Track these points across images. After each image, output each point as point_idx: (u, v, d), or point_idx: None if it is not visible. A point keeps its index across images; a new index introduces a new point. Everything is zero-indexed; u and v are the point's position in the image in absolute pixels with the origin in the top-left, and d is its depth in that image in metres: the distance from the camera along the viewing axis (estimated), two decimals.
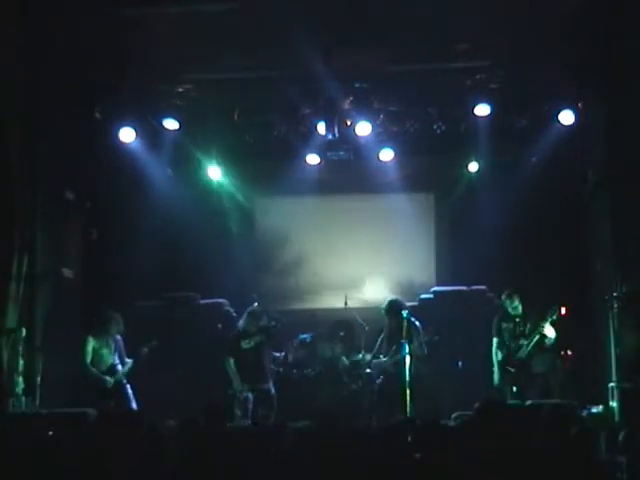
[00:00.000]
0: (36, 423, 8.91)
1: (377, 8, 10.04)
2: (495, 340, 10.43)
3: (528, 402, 9.63)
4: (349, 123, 11.89)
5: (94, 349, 10.38)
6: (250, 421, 10.05)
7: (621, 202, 10.45)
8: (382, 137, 12.31)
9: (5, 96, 10.23)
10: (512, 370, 10.29)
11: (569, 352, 11.05)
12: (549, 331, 10.14)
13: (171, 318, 11.92)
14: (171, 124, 11.90)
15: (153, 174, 12.54)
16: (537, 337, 10.18)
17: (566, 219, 12.02)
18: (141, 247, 12.15)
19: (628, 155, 10.29)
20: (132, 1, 10.20)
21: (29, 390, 10.30)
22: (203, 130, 12.28)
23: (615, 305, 10.27)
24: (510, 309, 10.45)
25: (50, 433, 7.67)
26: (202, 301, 12.41)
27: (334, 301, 12.44)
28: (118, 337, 10.53)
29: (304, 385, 11.42)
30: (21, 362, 10.27)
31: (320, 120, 11.82)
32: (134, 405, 10.24)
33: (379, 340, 10.80)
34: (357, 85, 11.46)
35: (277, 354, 11.58)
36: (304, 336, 11.97)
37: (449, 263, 13.25)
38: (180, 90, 11.72)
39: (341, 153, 12.60)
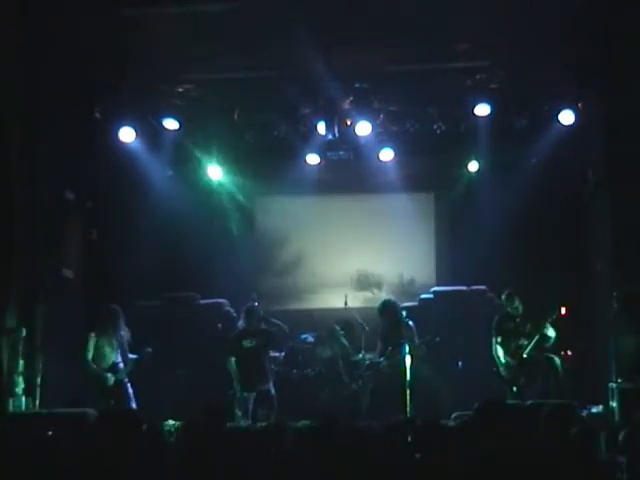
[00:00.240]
0: (36, 423, 8.93)
1: (377, 8, 10.04)
2: (494, 340, 10.44)
3: (528, 402, 9.63)
4: (349, 123, 11.90)
5: (96, 346, 10.36)
6: (250, 421, 10.05)
7: (621, 202, 10.46)
8: (382, 137, 12.31)
9: (5, 96, 10.23)
10: (512, 370, 10.29)
11: (569, 352, 11.05)
12: (549, 331, 10.14)
13: (171, 318, 11.91)
14: (171, 124, 11.90)
15: (153, 174, 12.55)
16: (537, 337, 10.19)
17: (566, 219, 12.02)
18: (141, 247, 12.16)
19: (628, 155, 10.29)
20: (132, 1, 10.20)
21: (29, 390, 10.31)
22: (203, 130, 12.29)
23: (615, 305, 10.27)
24: (510, 309, 10.45)
25: (50, 433, 7.68)
26: (202, 301, 12.41)
27: (334, 301, 12.44)
28: (122, 333, 10.50)
29: (304, 385, 11.41)
30: (21, 362, 10.27)
31: (320, 120, 11.82)
32: (134, 405, 10.23)
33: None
34: (357, 85, 11.47)
35: (277, 354, 11.58)
36: (304, 336, 11.98)
37: (449, 263, 13.26)
38: (180, 90, 11.73)
39: (341, 153, 12.61)
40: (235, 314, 11.79)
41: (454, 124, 12.09)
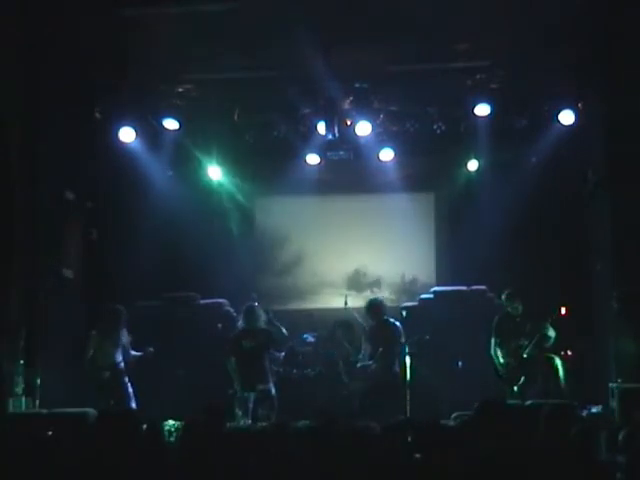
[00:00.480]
0: (36, 423, 8.92)
1: (377, 8, 10.04)
2: (493, 340, 10.43)
3: (528, 402, 9.63)
4: (349, 123, 11.90)
5: (97, 345, 10.38)
6: (250, 421, 10.05)
7: (621, 202, 10.46)
8: (382, 137, 12.31)
9: (5, 96, 10.23)
10: (512, 370, 10.29)
11: (569, 352, 11.05)
12: (549, 331, 10.14)
13: (171, 318, 11.91)
14: (171, 124, 11.90)
15: (153, 174, 12.55)
16: (537, 337, 10.19)
17: (566, 219, 12.02)
18: (141, 247, 12.16)
19: (628, 155, 10.29)
20: (132, 1, 10.20)
21: (29, 390, 10.30)
22: (203, 130, 12.29)
23: (615, 305, 10.27)
24: (510, 309, 10.45)
25: (49, 433, 7.67)
26: (202, 301, 12.40)
27: (334, 301, 12.44)
28: (125, 334, 10.51)
29: (304, 385, 11.41)
30: (21, 362, 10.27)
31: (320, 120, 11.82)
32: (134, 405, 10.24)
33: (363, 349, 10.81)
34: (357, 85, 11.47)
35: (277, 354, 11.58)
36: (304, 336, 11.98)
37: (449, 263, 13.26)
38: (180, 90, 11.73)
39: (341, 153, 12.61)
40: (235, 314, 11.78)
41: (454, 124, 12.09)
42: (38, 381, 10.41)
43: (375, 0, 10.17)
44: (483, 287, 12.04)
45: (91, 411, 9.30)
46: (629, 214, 10.30)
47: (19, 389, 10.19)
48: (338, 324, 11.81)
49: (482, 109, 11.54)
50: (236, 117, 11.97)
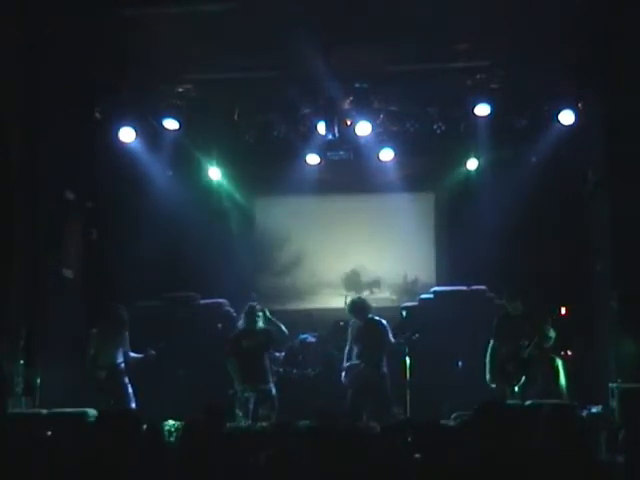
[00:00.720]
0: (36, 423, 8.92)
1: (377, 8, 10.05)
2: (492, 341, 10.43)
3: (528, 402, 9.63)
4: (349, 123, 11.90)
5: (98, 344, 10.39)
6: (250, 421, 10.06)
7: (621, 202, 10.46)
8: (382, 137, 12.32)
9: (5, 96, 10.23)
10: (512, 370, 10.29)
11: (569, 352, 11.05)
12: (549, 331, 10.14)
13: (171, 318, 11.90)
14: (171, 124, 11.90)
15: (153, 174, 12.56)
16: (537, 337, 10.18)
17: (566, 219, 12.02)
18: (141, 247, 12.16)
19: (628, 155, 10.29)
20: (132, 1, 10.21)
21: (29, 390, 10.30)
22: (203, 130, 12.29)
23: (615, 305, 10.27)
24: (511, 309, 10.45)
25: (49, 433, 7.67)
26: (202, 301, 12.40)
27: (333, 301, 12.45)
28: (126, 335, 10.52)
29: (304, 385, 11.42)
30: (21, 362, 10.27)
31: (320, 120, 11.83)
32: (133, 405, 10.24)
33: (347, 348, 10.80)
34: (357, 85, 11.47)
35: (277, 354, 11.58)
36: (304, 336, 11.98)
37: (449, 263, 13.26)
38: (180, 90, 11.72)
39: (341, 153, 12.61)
40: (235, 314, 11.79)
41: (454, 124, 12.09)
42: (38, 381, 10.41)
43: (375, 0, 10.17)
44: (483, 287, 12.04)
45: (91, 411, 9.31)
46: (629, 214, 10.30)
47: (19, 389, 10.19)
48: (337, 324, 11.82)
49: (482, 109, 11.53)
50: (236, 117, 11.98)
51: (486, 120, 11.71)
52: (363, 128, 11.79)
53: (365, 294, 13.00)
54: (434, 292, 12.40)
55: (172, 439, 7.90)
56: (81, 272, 12.08)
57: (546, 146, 11.92)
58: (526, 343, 10.26)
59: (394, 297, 13.04)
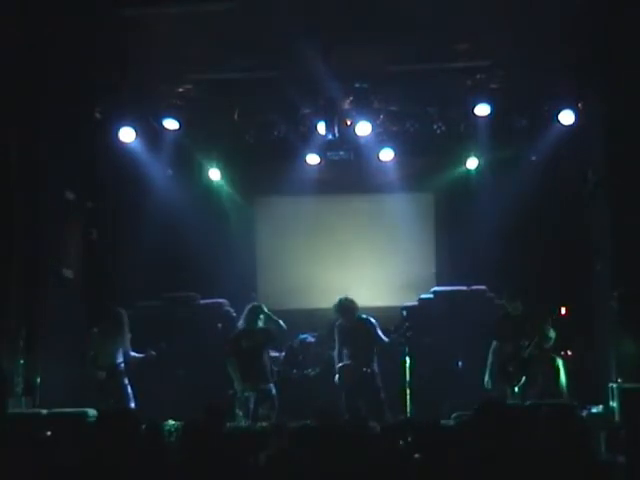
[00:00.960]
0: (36, 423, 8.92)
1: (377, 8, 10.04)
2: (495, 342, 10.44)
3: (528, 402, 9.63)
4: (349, 123, 11.91)
5: (98, 344, 10.39)
6: (250, 421, 10.06)
7: (621, 202, 10.45)
8: (382, 137, 12.33)
9: (5, 96, 10.23)
10: (513, 370, 10.29)
11: (569, 352, 11.05)
12: (549, 331, 10.15)
13: (171, 318, 11.91)
14: (171, 124, 11.89)
15: (153, 174, 12.55)
16: (538, 337, 10.19)
17: (566, 219, 12.02)
18: (141, 247, 12.17)
19: (628, 155, 10.29)
20: (132, 1, 10.20)
21: (29, 390, 10.30)
22: (203, 130, 12.30)
23: (615, 305, 10.27)
24: (511, 309, 10.45)
25: (48, 433, 7.68)
26: (202, 301, 12.41)
27: (333, 301, 12.41)
28: (126, 336, 10.52)
29: (304, 385, 11.42)
30: (21, 362, 10.27)
31: (320, 120, 11.83)
32: (133, 405, 10.24)
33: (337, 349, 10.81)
34: (357, 85, 11.47)
35: (277, 354, 11.59)
36: (304, 336, 11.98)
37: (449, 263, 13.26)
38: (180, 90, 11.72)
39: (341, 153, 12.62)
40: (235, 314, 11.79)
41: (454, 124, 12.09)
42: (38, 381, 10.42)
43: (375, 0, 10.17)
44: (483, 287, 12.04)
45: (91, 411, 9.31)
46: (629, 214, 10.30)
47: (19, 389, 10.19)
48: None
49: (482, 109, 11.53)
50: (236, 117, 11.97)
51: (486, 120, 11.71)
52: (363, 128, 11.79)
53: (365, 294, 13.00)
54: (434, 292, 12.40)
55: (172, 439, 7.90)
56: (81, 272, 12.07)
57: (546, 146, 11.92)
58: (526, 343, 10.27)
59: (394, 297, 13.01)
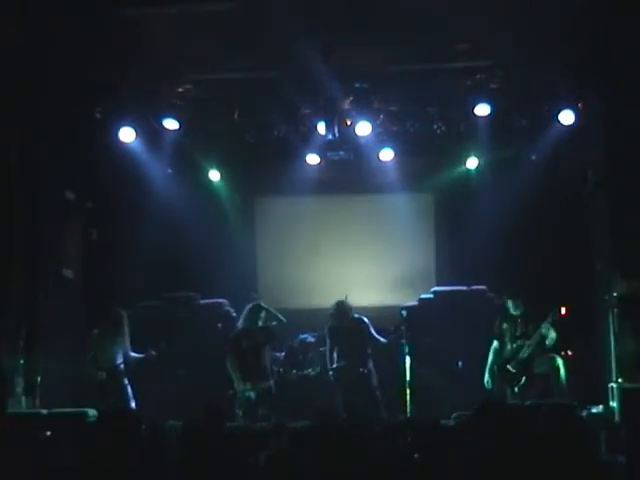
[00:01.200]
0: (36, 423, 8.93)
1: (377, 8, 10.04)
2: (495, 342, 10.45)
3: (528, 402, 9.63)
4: (349, 123, 11.90)
5: (98, 344, 10.40)
6: (250, 421, 10.06)
7: (621, 202, 10.45)
8: (382, 137, 12.31)
9: (5, 96, 10.23)
10: (512, 370, 10.30)
11: (569, 352, 11.05)
12: (550, 332, 10.15)
13: (171, 318, 11.91)
14: (171, 124, 11.89)
15: (153, 174, 12.55)
16: (538, 337, 10.19)
17: (566, 219, 12.02)
18: (141, 247, 12.16)
19: (628, 155, 10.29)
20: (132, 1, 10.19)
21: (29, 390, 10.31)
22: (203, 130, 12.29)
23: (615, 305, 10.27)
24: (512, 309, 10.46)
25: (48, 433, 7.68)
26: (202, 301, 12.41)
27: (334, 301, 12.41)
28: (126, 337, 10.53)
29: (304, 385, 11.42)
30: (21, 362, 10.27)
31: (320, 120, 11.82)
32: (133, 405, 10.24)
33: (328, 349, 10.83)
34: (357, 85, 11.46)
35: (277, 354, 11.59)
36: (304, 336, 11.98)
37: (449, 263, 13.25)
38: (180, 90, 11.72)
39: (341, 153, 12.62)
40: (235, 314, 11.80)
41: (454, 124, 12.08)
42: (38, 381, 10.42)
43: (375, 0, 10.17)
44: (483, 287, 12.04)
45: (91, 411, 9.31)
46: (629, 214, 10.30)
47: (19, 389, 10.19)
48: None
49: (482, 109, 11.52)
50: (236, 117, 11.97)
51: (486, 120, 11.71)
52: (363, 128, 11.79)
53: (365, 293, 13.00)
54: (434, 292, 12.40)
55: (172, 439, 7.91)
56: (81, 272, 12.08)
57: (546, 146, 11.92)
58: (527, 343, 10.28)
59: (394, 297, 13.00)
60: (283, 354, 11.73)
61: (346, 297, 11.63)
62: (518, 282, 11.03)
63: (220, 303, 12.38)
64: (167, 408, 9.60)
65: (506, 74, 11.31)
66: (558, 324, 10.19)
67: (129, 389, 10.36)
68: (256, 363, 10.48)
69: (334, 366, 10.70)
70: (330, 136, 12.00)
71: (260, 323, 10.70)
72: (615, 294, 10.31)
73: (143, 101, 11.84)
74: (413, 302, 12.14)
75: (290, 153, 12.43)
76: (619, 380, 9.90)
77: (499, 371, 10.39)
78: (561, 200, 12.12)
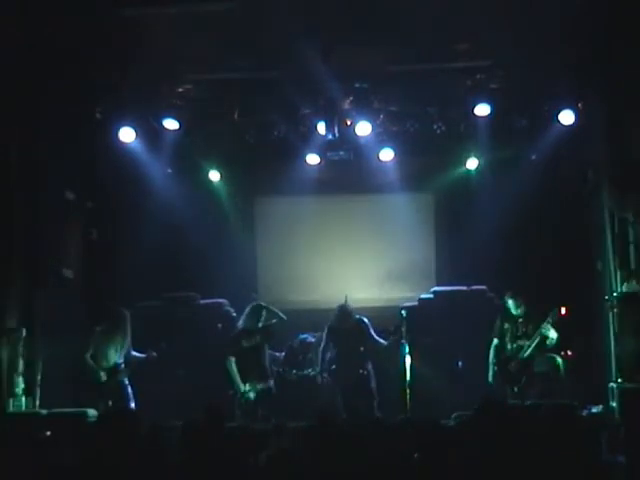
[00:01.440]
0: (36, 423, 8.93)
1: (377, 8, 10.04)
2: (495, 341, 10.46)
3: (528, 402, 9.63)
4: (349, 123, 11.89)
5: (99, 344, 10.40)
6: (250, 421, 10.05)
7: (621, 202, 10.45)
8: (382, 137, 12.31)
9: (5, 96, 10.23)
10: (513, 370, 10.30)
11: (569, 352, 11.05)
12: (550, 332, 10.15)
13: (171, 318, 11.92)
14: (171, 124, 11.88)
15: (153, 174, 12.55)
16: (538, 338, 10.20)
17: (566, 219, 12.02)
18: (141, 247, 12.15)
19: (628, 155, 10.29)
20: (132, 1, 10.19)
21: (29, 390, 10.31)
22: (203, 130, 12.28)
23: (615, 305, 10.27)
24: (512, 309, 10.46)
25: (48, 433, 7.68)
26: (202, 301, 12.41)
27: (334, 301, 12.42)
28: (128, 337, 10.53)
29: (304, 385, 11.42)
30: (21, 362, 10.27)
31: (320, 120, 11.81)
32: (133, 405, 10.25)
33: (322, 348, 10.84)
34: (357, 85, 11.46)
35: (277, 354, 11.59)
36: (304, 336, 11.98)
37: (449, 263, 13.25)
38: (180, 90, 11.71)
39: (341, 153, 12.61)
40: (235, 314, 11.80)
41: (454, 124, 12.08)
42: (38, 381, 10.42)
43: (375, 0, 10.16)
44: (483, 287, 12.04)
45: (91, 411, 9.31)
46: (629, 214, 10.30)
47: (19, 389, 10.19)
48: None
49: (482, 109, 11.52)
50: (236, 117, 11.96)
51: (486, 120, 11.70)
52: (363, 128, 11.78)
53: (364, 293, 13.00)
54: (434, 292, 12.41)
55: (172, 439, 7.91)
56: (81, 272, 12.08)
57: (546, 146, 11.91)
58: (527, 343, 10.28)
59: (394, 297, 13.00)
60: (283, 354, 11.73)
61: (346, 298, 11.66)
62: (518, 282, 11.02)
63: (220, 303, 12.38)
64: (167, 408, 9.60)
65: (506, 74, 11.30)
66: (558, 324, 10.19)
67: (129, 389, 10.37)
68: (256, 363, 10.48)
69: (333, 367, 10.71)
70: (330, 136, 12.00)
71: (261, 323, 10.70)
72: (615, 294, 10.31)
73: (143, 101, 11.84)
74: (413, 302, 12.14)
75: (290, 153, 12.43)
76: (619, 380, 9.90)
77: (499, 371, 10.39)
78: (561, 200, 12.12)
